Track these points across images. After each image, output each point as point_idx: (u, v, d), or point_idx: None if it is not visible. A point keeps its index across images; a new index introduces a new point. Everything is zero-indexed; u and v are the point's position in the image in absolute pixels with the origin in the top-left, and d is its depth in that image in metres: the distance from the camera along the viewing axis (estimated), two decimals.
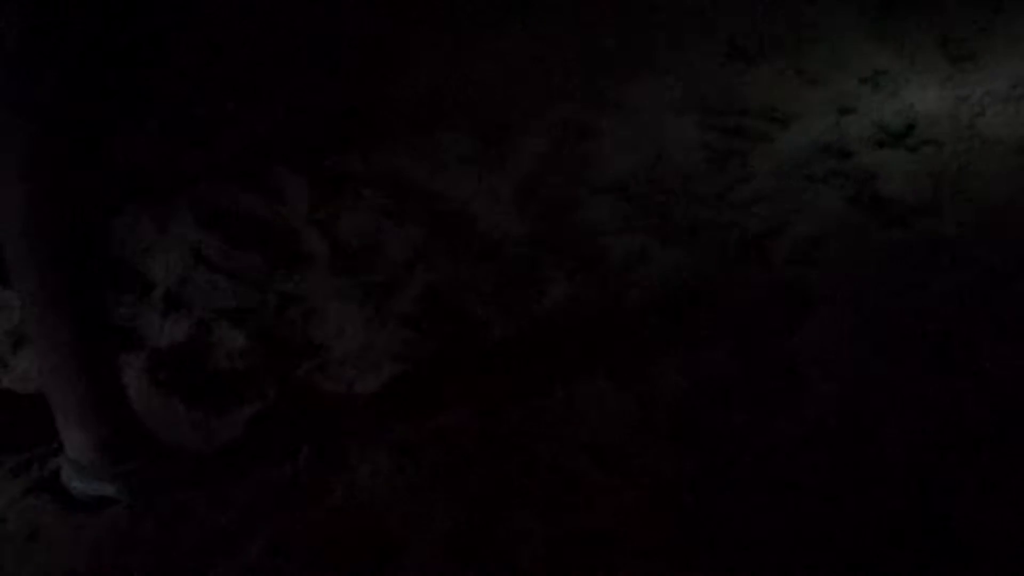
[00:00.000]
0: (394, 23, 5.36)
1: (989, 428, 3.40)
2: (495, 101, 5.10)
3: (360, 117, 5.03)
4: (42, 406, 3.28)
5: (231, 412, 3.63)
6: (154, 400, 3.64)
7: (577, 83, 5.19)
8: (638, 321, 3.94)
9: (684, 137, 4.86)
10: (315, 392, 3.71)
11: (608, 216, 4.44)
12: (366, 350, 3.84)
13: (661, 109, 5.03)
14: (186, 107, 4.95)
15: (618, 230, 4.36)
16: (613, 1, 5.52)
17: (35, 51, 2.87)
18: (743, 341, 3.77)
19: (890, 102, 4.97)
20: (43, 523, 3.25)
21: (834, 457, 3.34)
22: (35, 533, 3.22)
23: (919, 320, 3.79)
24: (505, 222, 4.46)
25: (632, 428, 3.49)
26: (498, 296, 4.06)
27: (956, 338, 3.71)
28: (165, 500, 3.28)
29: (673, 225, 4.37)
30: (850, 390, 3.56)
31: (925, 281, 3.96)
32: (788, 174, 4.61)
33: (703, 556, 3.08)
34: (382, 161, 4.82)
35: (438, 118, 5.04)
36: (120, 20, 2.91)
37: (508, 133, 4.93)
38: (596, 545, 3.12)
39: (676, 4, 5.51)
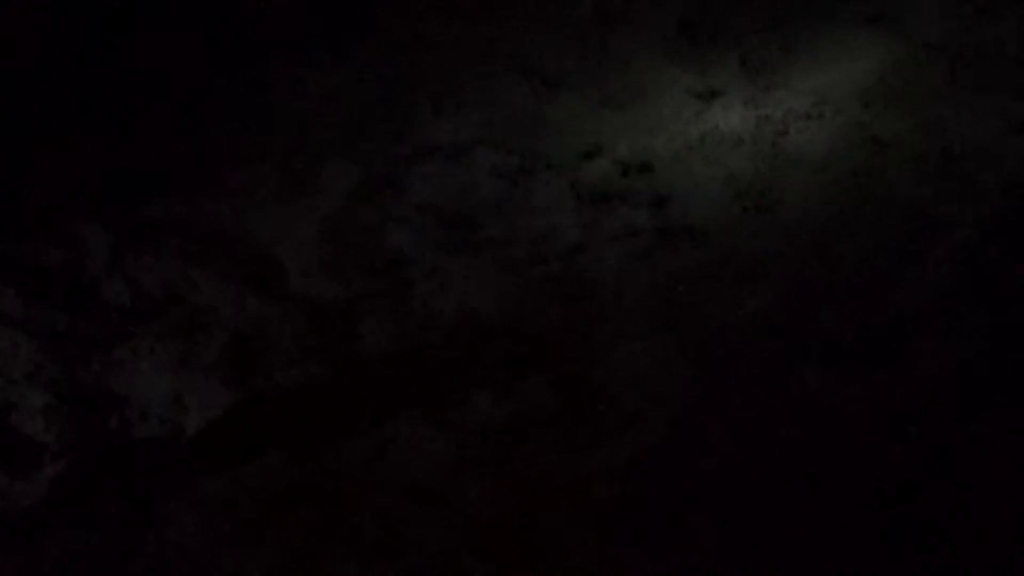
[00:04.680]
0: (192, 67, 5.26)
1: (803, 440, 3.44)
2: (299, 141, 5.03)
3: (166, 163, 4.91)
4: None
5: (33, 473, 3.50)
6: None
7: (380, 118, 5.14)
8: (449, 356, 3.89)
9: (488, 169, 4.83)
10: (122, 447, 3.60)
11: (416, 252, 4.39)
12: (174, 401, 3.74)
13: (466, 142, 5.00)
14: None
15: (425, 267, 4.32)
16: (411, 37, 5.48)
17: None
18: (557, 372, 3.75)
19: (694, 123, 5.01)
20: None
21: (657, 485, 3.33)
22: None
23: (731, 341, 3.81)
24: (312, 264, 4.39)
25: (450, 467, 3.44)
26: (306, 341, 3.99)
27: (767, 357, 3.73)
28: None
29: (480, 258, 4.34)
30: (674, 413, 3.56)
31: (732, 302, 3.97)
32: (589, 200, 4.60)
33: None
34: (188, 206, 4.72)
35: (243, 158, 4.94)
36: None
37: (313, 173, 4.86)
38: None
39: (477, 38, 5.48)
